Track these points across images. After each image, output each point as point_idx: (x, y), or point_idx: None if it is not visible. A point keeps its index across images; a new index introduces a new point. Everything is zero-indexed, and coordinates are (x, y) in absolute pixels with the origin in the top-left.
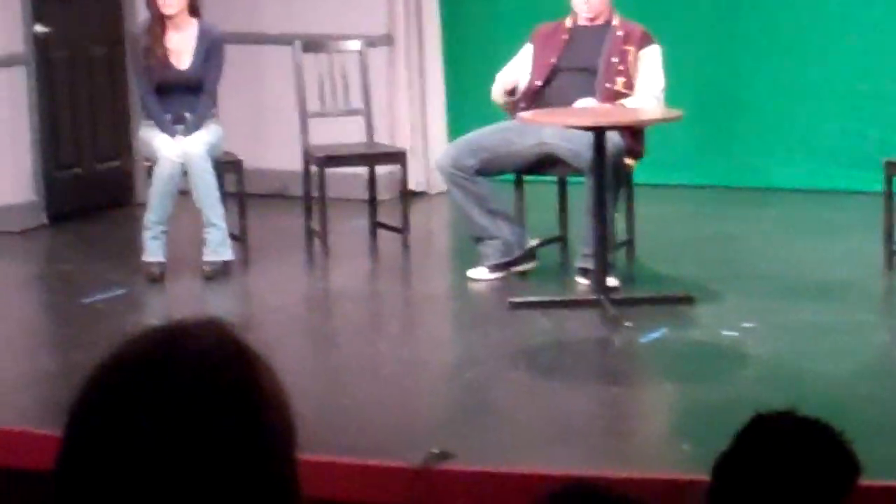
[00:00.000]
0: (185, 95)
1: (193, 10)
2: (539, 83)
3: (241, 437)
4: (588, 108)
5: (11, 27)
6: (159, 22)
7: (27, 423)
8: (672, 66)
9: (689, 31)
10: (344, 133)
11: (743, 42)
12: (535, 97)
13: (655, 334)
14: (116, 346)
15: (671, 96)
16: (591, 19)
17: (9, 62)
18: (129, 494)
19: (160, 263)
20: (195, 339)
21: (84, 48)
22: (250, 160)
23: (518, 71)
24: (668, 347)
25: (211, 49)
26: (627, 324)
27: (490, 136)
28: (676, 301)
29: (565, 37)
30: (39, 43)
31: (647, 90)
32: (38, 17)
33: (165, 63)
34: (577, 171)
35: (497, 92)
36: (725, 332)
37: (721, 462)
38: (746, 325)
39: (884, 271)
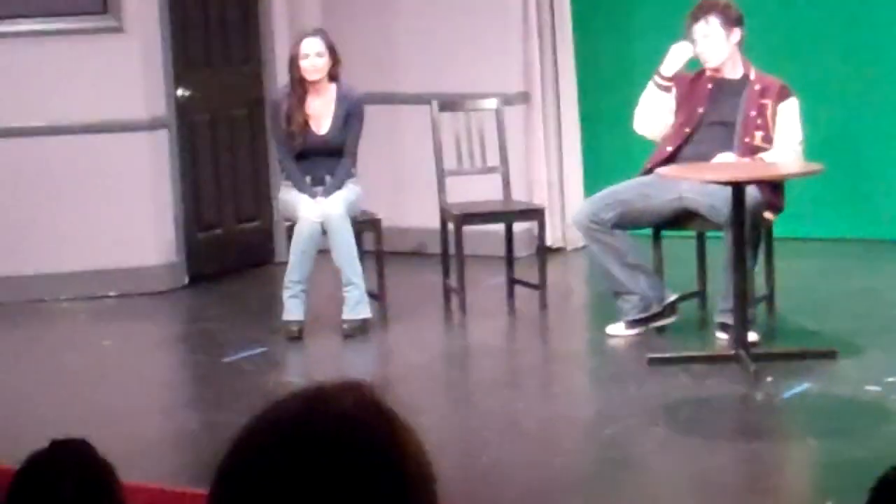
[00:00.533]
0: (325, 159)
1: (333, 76)
2: (689, 130)
3: (385, 498)
4: (727, 162)
5: (155, 91)
6: (300, 87)
7: (171, 480)
8: (810, 119)
9: (827, 83)
10: (481, 191)
11: (880, 92)
12: (681, 144)
13: (797, 389)
14: (261, 409)
15: (810, 149)
16: (717, 70)
17: (152, 125)
18: None
19: (299, 322)
20: (336, 401)
21: (225, 111)
22: (389, 219)
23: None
24: (810, 403)
25: (351, 113)
26: (768, 379)
27: (627, 191)
28: (819, 356)
29: (710, 86)
30: (181, 106)
31: (786, 143)
32: (180, 81)
33: (305, 129)
34: (716, 227)
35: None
36: (869, 388)
37: None
38: (891, 379)
39: None
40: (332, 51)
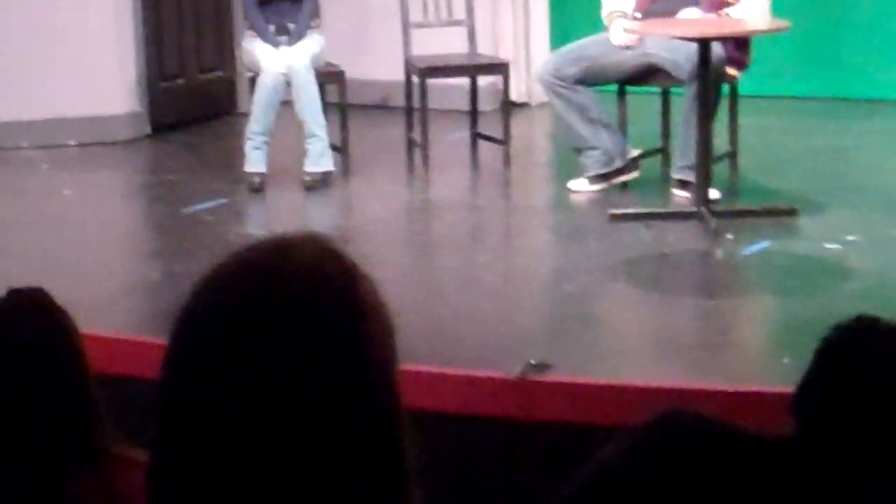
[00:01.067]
0: (288, 5)
1: None
2: None
3: (344, 349)
4: (692, 18)
5: None
6: None
7: (130, 330)
8: None
9: None
10: (446, 44)
11: None
12: (648, 5)
13: (757, 247)
14: (221, 259)
15: (777, 4)
16: None
17: None
18: (232, 401)
19: (262, 174)
20: (297, 251)
21: None
22: (352, 71)
23: None
24: (770, 260)
25: None
26: (729, 236)
27: (592, 46)
28: (779, 213)
29: None
30: None
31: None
32: None
33: None
34: (680, 83)
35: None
36: (829, 245)
37: (802, 385)
38: (850, 237)
39: None
40: None
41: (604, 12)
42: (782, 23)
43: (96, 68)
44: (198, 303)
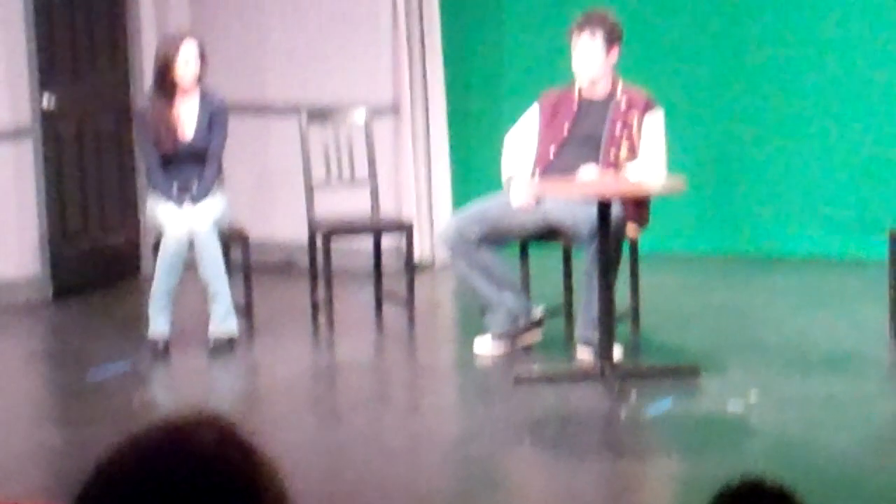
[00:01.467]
0: (191, 165)
1: (198, 79)
2: (553, 149)
3: None
4: (591, 179)
5: (19, 100)
6: (171, 91)
7: (32, 497)
8: (676, 132)
9: (694, 97)
10: (349, 204)
11: (747, 108)
12: (548, 164)
13: (661, 407)
14: (121, 442)
15: (675, 162)
16: (592, 84)
17: (16, 135)
18: None
19: (165, 337)
20: (196, 436)
21: (91, 120)
22: (256, 231)
23: (527, 134)
24: (674, 420)
25: (214, 116)
26: (633, 395)
27: (494, 207)
28: (682, 372)
29: (575, 108)
30: (46, 116)
31: (650, 155)
32: (45, 89)
33: (173, 135)
34: (580, 242)
35: (508, 164)
36: (732, 404)
37: None
38: (753, 396)
39: (890, 342)
40: (202, 55)
41: (504, 175)
42: (678, 182)
43: None
44: (97, 485)
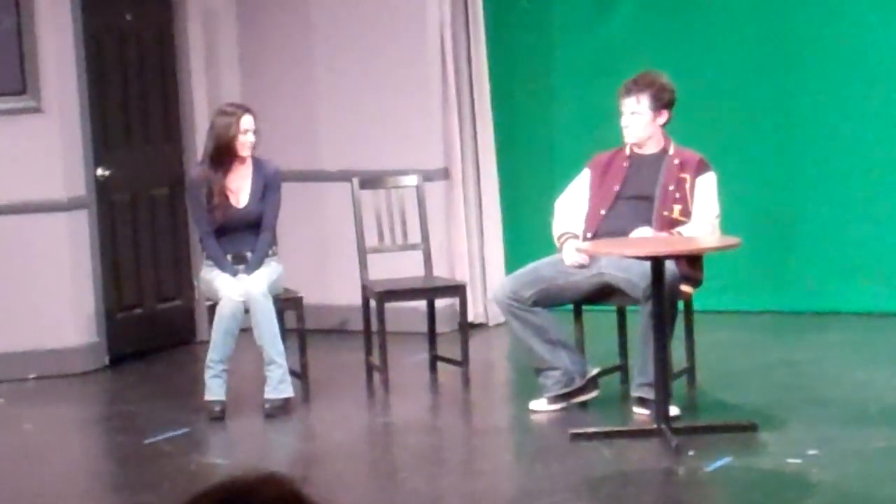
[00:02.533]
0: (245, 233)
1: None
2: (604, 212)
3: None
4: (645, 237)
5: (74, 171)
6: (227, 162)
7: None
8: (729, 193)
9: (745, 158)
10: (402, 267)
11: (798, 166)
12: (599, 224)
13: (720, 463)
14: (186, 500)
15: (728, 222)
16: (638, 146)
17: (71, 206)
18: None
19: (221, 402)
20: (256, 494)
21: (145, 189)
22: (310, 296)
23: (577, 198)
24: (732, 476)
25: (268, 185)
26: (690, 453)
27: (547, 268)
28: (740, 429)
29: (626, 164)
30: (101, 186)
31: (704, 217)
32: (99, 160)
33: (226, 204)
34: (635, 301)
35: (559, 225)
36: (791, 460)
37: None
38: (811, 451)
39: None
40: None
41: (555, 234)
42: (733, 240)
43: (53, 300)
44: None
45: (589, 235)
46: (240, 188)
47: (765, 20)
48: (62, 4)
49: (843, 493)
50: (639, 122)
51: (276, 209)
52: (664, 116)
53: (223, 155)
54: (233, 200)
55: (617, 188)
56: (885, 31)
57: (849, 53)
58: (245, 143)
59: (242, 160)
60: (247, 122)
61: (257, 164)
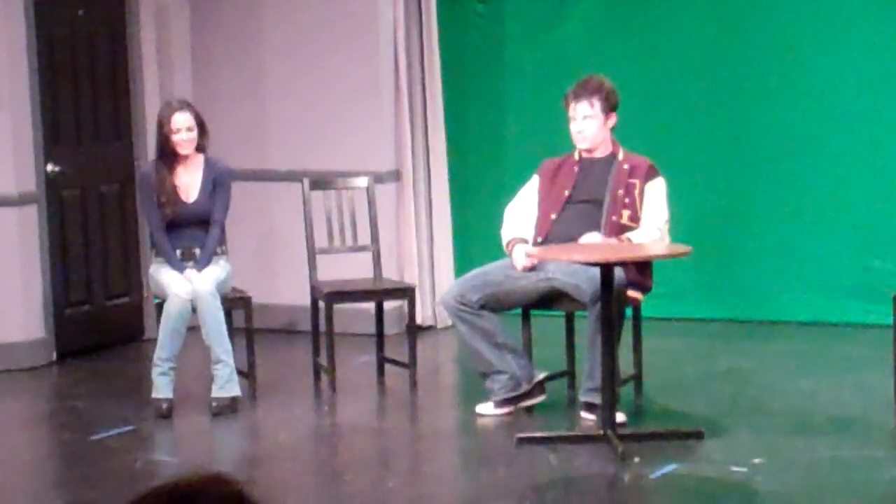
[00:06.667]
0: (195, 229)
1: (200, 148)
2: (554, 216)
3: None
4: (594, 243)
5: (24, 167)
6: (170, 160)
7: None
8: (678, 199)
9: (695, 163)
10: (352, 268)
11: (749, 174)
12: (549, 229)
13: (665, 470)
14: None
15: (677, 229)
16: (590, 150)
17: (21, 201)
18: None
19: (168, 400)
20: (201, 495)
21: (95, 186)
22: (259, 295)
23: (527, 204)
24: (677, 483)
25: (217, 181)
26: (636, 459)
27: (495, 272)
28: (685, 436)
29: (576, 168)
30: (51, 182)
31: (652, 223)
32: (50, 156)
33: (175, 199)
34: (583, 307)
35: (508, 230)
36: (735, 468)
37: None
38: (757, 460)
39: (895, 406)
40: (201, 123)
41: (504, 239)
42: (682, 248)
43: (2, 296)
44: None
45: (538, 240)
46: (189, 184)
47: (716, 28)
48: (14, 0)
49: (787, 502)
50: (592, 126)
51: (226, 205)
52: (613, 120)
53: (166, 151)
54: (182, 196)
55: (567, 192)
56: (837, 42)
57: (801, 62)
58: (179, 141)
59: (188, 157)
60: (179, 120)
61: (208, 162)
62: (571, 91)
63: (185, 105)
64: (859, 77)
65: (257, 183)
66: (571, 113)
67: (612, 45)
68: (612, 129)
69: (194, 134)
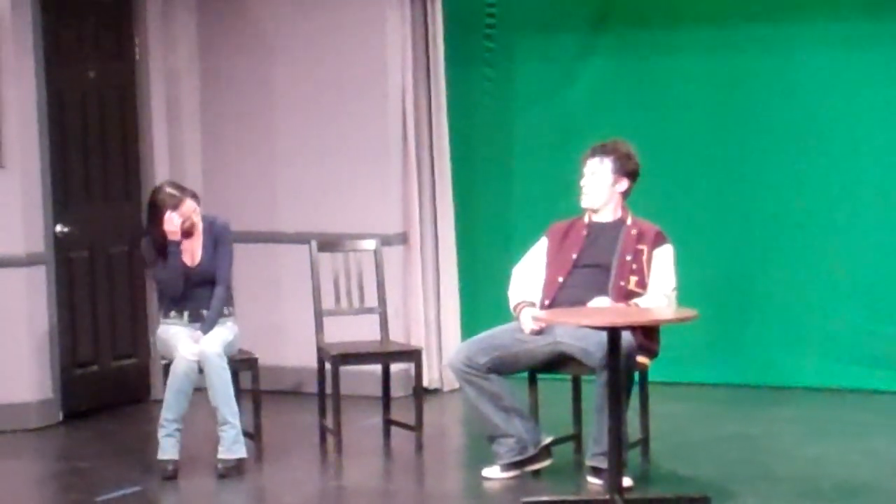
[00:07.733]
0: (202, 290)
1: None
2: (561, 279)
3: None
4: (602, 307)
5: (33, 227)
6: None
7: None
8: (685, 265)
9: (702, 231)
10: (359, 330)
11: (755, 241)
12: (556, 293)
13: None
14: None
15: (685, 295)
16: (595, 210)
17: (29, 261)
18: None
19: (174, 461)
20: None
21: (103, 247)
22: (266, 357)
23: (535, 266)
24: None
25: (217, 240)
26: None
27: (503, 335)
28: (692, 502)
29: (584, 232)
30: (59, 242)
31: (660, 289)
32: (59, 217)
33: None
34: (591, 371)
35: (516, 293)
36: None
37: None
38: None
39: None
40: (195, 197)
41: (511, 302)
42: (689, 312)
43: (8, 354)
44: None
45: (546, 303)
46: (193, 248)
47: (722, 93)
48: (26, 60)
49: None
50: (597, 184)
51: (229, 262)
52: (624, 184)
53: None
54: (187, 261)
55: (574, 256)
56: (848, 106)
57: (807, 127)
58: (191, 228)
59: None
60: (170, 222)
61: (207, 221)
62: (590, 148)
63: (182, 193)
64: (870, 142)
65: (265, 245)
66: (583, 169)
67: (620, 109)
68: (625, 196)
69: (196, 220)
